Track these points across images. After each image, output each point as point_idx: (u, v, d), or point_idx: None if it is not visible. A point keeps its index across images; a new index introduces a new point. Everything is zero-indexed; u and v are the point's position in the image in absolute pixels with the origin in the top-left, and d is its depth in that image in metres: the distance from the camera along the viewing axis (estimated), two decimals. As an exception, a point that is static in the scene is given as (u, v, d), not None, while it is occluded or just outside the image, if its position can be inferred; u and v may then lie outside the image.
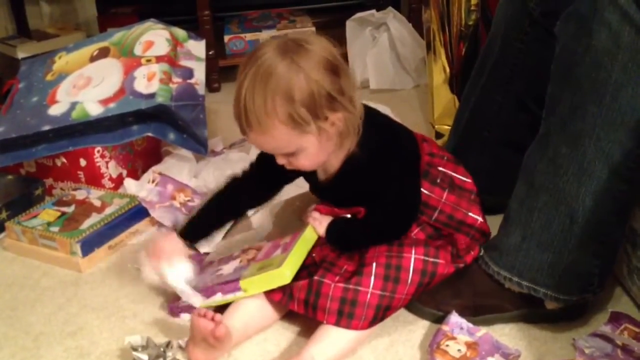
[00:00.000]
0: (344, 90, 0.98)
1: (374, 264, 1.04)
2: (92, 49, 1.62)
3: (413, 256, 1.06)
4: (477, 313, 1.08)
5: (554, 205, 0.99)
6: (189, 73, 1.57)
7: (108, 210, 1.38)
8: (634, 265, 1.09)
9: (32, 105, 1.53)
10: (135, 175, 1.55)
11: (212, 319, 0.98)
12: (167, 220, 1.39)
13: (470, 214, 1.13)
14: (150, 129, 1.49)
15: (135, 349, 1.01)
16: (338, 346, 1.01)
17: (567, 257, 1.00)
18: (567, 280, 1.01)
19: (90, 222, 1.34)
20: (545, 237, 1.00)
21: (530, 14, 1.21)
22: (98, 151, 1.48)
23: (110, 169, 1.51)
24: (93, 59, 1.59)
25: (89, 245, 1.30)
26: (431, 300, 1.10)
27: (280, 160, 1.02)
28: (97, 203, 1.41)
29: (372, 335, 1.06)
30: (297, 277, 1.05)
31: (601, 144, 0.93)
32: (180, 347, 1.04)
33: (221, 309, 1.07)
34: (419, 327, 1.09)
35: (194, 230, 1.15)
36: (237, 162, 1.52)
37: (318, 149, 1.00)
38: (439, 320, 1.08)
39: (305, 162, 1.01)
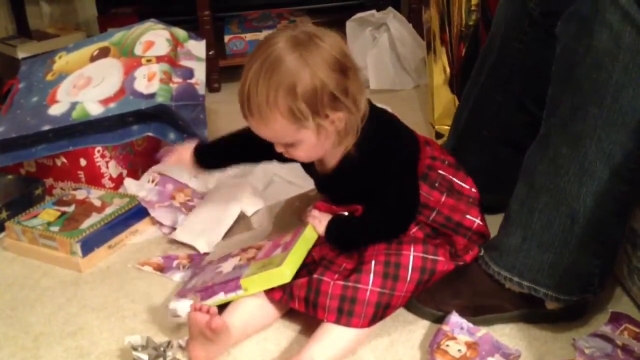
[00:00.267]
0: (349, 91, 0.98)
1: (373, 262, 1.04)
2: (92, 49, 1.62)
3: (412, 254, 1.06)
4: (477, 313, 1.08)
5: (555, 206, 0.99)
6: (189, 73, 1.57)
7: (108, 210, 1.38)
8: (634, 265, 1.09)
9: (32, 105, 1.53)
10: (136, 175, 1.55)
11: (208, 312, 0.99)
12: (167, 219, 1.39)
13: (468, 216, 1.13)
14: (150, 129, 1.49)
15: (135, 348, 1.01)
16: (338, 346, 1.01)
17: (567, 257, 1.00)
18: (567, 280, 1.01)
19: (90, 221, 1.34)
20: (546, 238, 1.00)
21: (530, 14, 1.21)
22: (98, 151, 1.48)
23: (111, 168, 1.51)
24: (93, 59, 1.59)
25: (89, 245, 1.30)
26: (431, 300, 1.10)
27: (279, 149, 1.04)
28: (97, 203, 1.41)
29: (372, 335, 1.06)
30: (297, 276, 1.05)
31: (602, 144, 0.93)
32: (180, 346, 1.04)
33: (221, 308, 1.07)
34: (419, 327, 1.09)
35: (206, 154, 1.25)
36: (237, 162, 1.52)
37: (315, 144, 1.01)
38: (439, 320, 1.08)
39: (301, 153, 1.04)
